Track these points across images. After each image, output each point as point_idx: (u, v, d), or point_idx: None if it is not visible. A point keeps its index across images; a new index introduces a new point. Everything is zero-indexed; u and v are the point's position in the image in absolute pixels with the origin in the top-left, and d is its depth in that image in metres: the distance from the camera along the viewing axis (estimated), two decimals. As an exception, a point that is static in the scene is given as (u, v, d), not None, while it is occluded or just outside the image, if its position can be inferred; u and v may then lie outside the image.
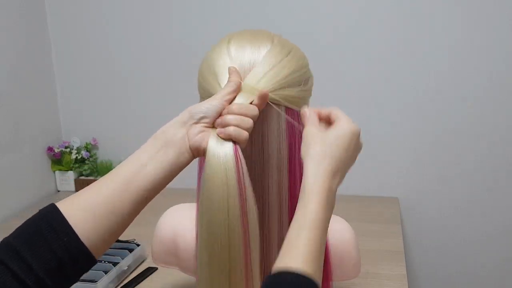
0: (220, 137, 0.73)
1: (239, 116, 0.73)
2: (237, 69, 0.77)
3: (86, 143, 2.02)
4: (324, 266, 0.89)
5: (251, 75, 0.77)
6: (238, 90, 0.75)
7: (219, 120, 0.74)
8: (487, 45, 1.65)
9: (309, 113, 0.78)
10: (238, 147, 0.73)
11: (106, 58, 1.94)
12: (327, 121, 0.79)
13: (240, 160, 0.73)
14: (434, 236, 1.83)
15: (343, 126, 0.75)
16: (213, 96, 0.76)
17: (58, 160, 1.99)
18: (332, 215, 0.95)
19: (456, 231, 1.81)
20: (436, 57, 1.69)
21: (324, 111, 0.79)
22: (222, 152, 0.72)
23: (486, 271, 1.83)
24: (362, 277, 1.22)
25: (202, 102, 0.76)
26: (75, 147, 2.00)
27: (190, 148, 0.75)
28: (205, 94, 0.81)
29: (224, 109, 0.74)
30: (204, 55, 0.85)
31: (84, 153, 1.98)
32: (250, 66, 0.78)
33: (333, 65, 1.75)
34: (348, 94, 1.77)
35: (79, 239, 0.67)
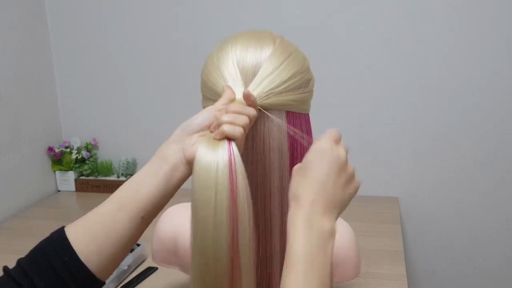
0: (215, 139, 0.70)
1: (232, 113, 0.71)
2: (239, 76, 0.78)
3: (87, 143, 2.02)
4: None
5: (254, 82, 0.77)
6: (230, 101, 0.75)
7: (213, 124, 0.72)
8: (488, 46, 1.65)
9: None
10: (232, 143, 0.69)
11: (106, 58, 1.94)
12: None
13: (234, 157, 0.68)
14: (434, 236, 1.83)
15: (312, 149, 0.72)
16: (205, 108, 0.76)
17: (59, 160, 1.99)
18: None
19: (456, 231, 1.81)
20: (436, 57, 1.69)
21: None
22: (214, 151, 0.68)
23: (486, 271, 1.83)
24: (362, 277, 1.22)
25: (194, 116, 0.75)
26: (75, 147, 2.00)
27: (187, 161, 0.73)
28: (209, 93, 0.81)
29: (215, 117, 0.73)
30: (209, 54, 0.85)
31: (84, 153, 1.98)
32: (252, 68, 0.78)
33: (333, 66, 1.75)
34: (348, 94, 1.77)
35: (80, 261, 0.68)
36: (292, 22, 1.74)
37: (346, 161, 0.74)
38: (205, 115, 0.74)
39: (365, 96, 1.77)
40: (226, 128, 0.69)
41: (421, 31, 1.68)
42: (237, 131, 0.69)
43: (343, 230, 0.96)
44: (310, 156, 0.71)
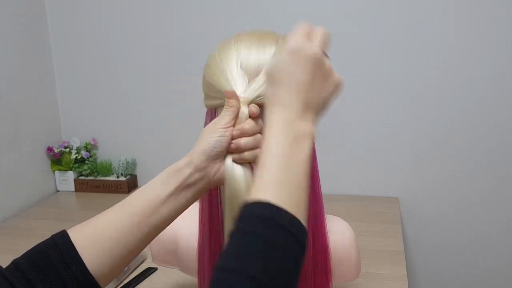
0: (237, 163, 0.76)
1: (250, 138, 0.75)
2: (242, 76, 0.78)
3: (86, 143, 2.02)
4: (324, 266, 0.89)
5: (256, 82, 0.77)
6: (236, 116, 0.75)
7: (233, 146, 0.75)
8: (488, 46, 1.65)
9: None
10: (254, 167, 0.75)
11: (106, 58, 1.94)
12: None
13: None
14: (434, 236, 1.83)
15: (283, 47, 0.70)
16: (214, 128, 0.75)
17: (58, 160, 1.99)
18: (332, 215, 0.96)
19: (456, 231, 1.81)
20: (436, 57, 1.69)
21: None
22: (239, 176, 0.75)
23: (486, 271, 1.83)
24: (362, 277, 1.22)
25: (208, 136, 0.75)
26: (74, 147, 2.00)
27: (211, 184, 0.76)
28: (211, 92, 0.81)
29: (230, 137, 0.75)
30: (210, 53, 0.85)
31: (84, 153, 1.98)
32: (255, 68, 0.78)
33: (333, 65, 1.74)
34: (348, 94, 1.77)
35: (88, 271, 0.67)
36: (291, 20, 1.73)
37: (322, 57, 0.70)
38: (219, 139, 0.75)
39: (365, 96, 1.76)
40: (248, 156, 0.75)
41: (421, 31, 1.68)
42: (257, 153, 0.73)
43: (343, 230, 0.96)
44: (283, 58, 0.69)
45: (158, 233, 0.74)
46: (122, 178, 1.96)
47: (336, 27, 1.73)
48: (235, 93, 0.76)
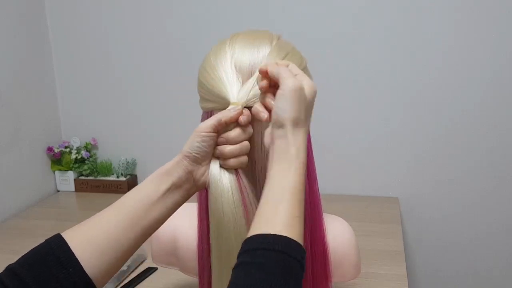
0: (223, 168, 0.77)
1: (235, 147, 0.76)
2: (236, 76, 0.78)
3: (86, 143, 2.02)
4: (323, 266, 0.89)
5: (250, 82, 0.77)
6: (221, 122, 0.76)
7: (218, 152, 0.77)
8: (488, 46, 1.65)
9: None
10: (240, 172, 0.78)
11: (106, 58, 1.94)
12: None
13: (242, 182, 0.77)
14: (434, 236, 1.83)
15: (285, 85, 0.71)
16: (200, 132, 0.76)
17: (58, 160, 1.99)
18: (332, 215, 0.96)
19: (456, 231, 1.81)
20: (436, 57, 1.69)
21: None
22: (224, 182, 0.77)
23: (486, 271, 1.83)
24: (362, 277, 1.22)
25: (192, 139, 0.76)
26: (75, 147, 2.00)
27: (198, 187, 0.79)
28: (206, 94, 0.81)
29: (214, 143, 0.77)
30: (206, 54, 0.85)
31: (84, 153, 1.98)
32: (249, 68, 0.78)
33: (333, 65, 1.75)
34: (348, 94, 1.77)
35: (85, 273, 0.68)
36: (291, 21, 1.74)
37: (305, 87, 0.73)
38: (199, 145, 0.76)
39: (365, 96, 1.76)
40: (233, 163, 0.76)
41: (421, 31, 1.68)
42: (242, 161, 0.77)
43: (343, 229, 0.96)
44: (312, 92, 0.73)
45: (152, 233, 0.76)
46: (122, 178, 1.96)
47: (336, 27, 1.73)
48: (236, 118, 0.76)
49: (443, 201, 1.80)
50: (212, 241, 0.79)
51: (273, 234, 0.61)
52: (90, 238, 0.70)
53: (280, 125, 0.70)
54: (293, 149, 0.68)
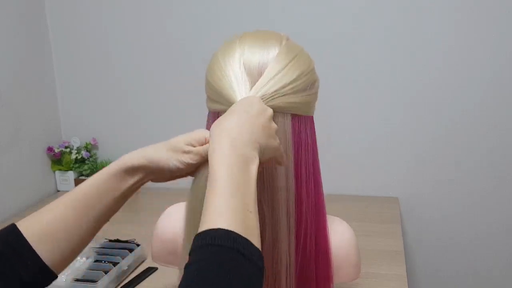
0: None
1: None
2: (245, 76, 0.78)
3: (86, 143, 2.02)
4: (325, 267, 0.89)
5: (259, 83, 0.77)
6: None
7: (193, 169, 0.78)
8: (488, 46, 1.65)
9: None
10: None
11: (106, 58, 1.94)
12: None
13: None
14: (434, 236, 1.83)
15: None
16: (179, 149, 0.76)
17: (58, 160, 1.99)
18: (332, 216, 0.96)
19: (456, 231, 1.81)
20: (436, 57, 1.69)
21: None
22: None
23: (486, 271, 1.83)
24: (362, 277, 1.22)
25: (170, 153, 0.76)
26: (75, 147, 2.00)
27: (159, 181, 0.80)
28: (213, 95, 0.81)
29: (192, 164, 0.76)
30: (213, 53, 0.85)
31: (84, 153, 1.98)
32: (258, 69, 0.78)
33: (333, 65, 1.75)
34: (348, 93, 1.77)
35: (43, 262, 0.69)
36: (291, 21, 1.74)
37: (264, 111, 0.73)
38: (177, 165, 0.76)
39: (365, 96, 1.76)
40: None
41: (421, 32, 1.68)
42: None
43: (343, 230, 0.96)
44: (236, 105, 0.73)
45: (107, 220, 0.78)
46: (122, 178, 1.96)
47: (336, 27, 1.73)
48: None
49: (443, 201, 1.80)
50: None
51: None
52: (47, 230, 0.71)
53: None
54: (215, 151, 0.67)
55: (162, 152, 0.76)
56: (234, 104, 0.73)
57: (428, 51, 1.69)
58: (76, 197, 0.75)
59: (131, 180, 0.76)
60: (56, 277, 0.72)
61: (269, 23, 1.72)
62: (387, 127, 1.78)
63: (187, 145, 0.76)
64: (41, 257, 0.69)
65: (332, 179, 1.84)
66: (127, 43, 1.91)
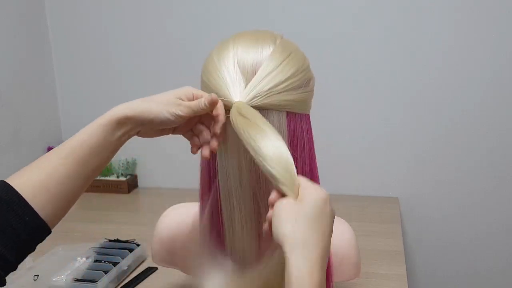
0: None
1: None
2: (239, 75, 0.79)
3: (86, 143, 2.01)
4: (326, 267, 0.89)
5: (253, 81, 0.77)
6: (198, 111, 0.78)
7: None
8: (488, 46, 1.65)
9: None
10: None
11: (106, 58, 1.94)
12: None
13: None
14: (434, 236, 1.83)
15: (312, 196, 0.70)
16: (173, 101, 0.79)
17: (58, 160, 1.99)
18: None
19: (456, 231, 1.81)
20: (436, 57, 1.69)
21: None
22: None
23: (486, 271, 1.83)
24: (362, 277, 1.22)
25: (161, 105, 0.78)
26: (75, 147, 1.99)
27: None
28: (207, 92, 0.81)
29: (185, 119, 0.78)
30: (208, 54, 0.85)
31: (84, 153, 1.98)
32: (252, 67, 0.78)
33: (333, 65, 1.75)
34: (348, 93, 1.77)
35: (40, 217, 0.69)
36: (292, 20, 1.74)
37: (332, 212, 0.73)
38: (170, 118, 0.78)
39: (365, 96, 1.76)
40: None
41: (421, 31, 1.68)
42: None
43: (343, 229, 0.96)
44: (316, 204, 0.69)
45: (99, 173, 0.79)
46: (122, 178, 1.96)
47: (336, 27, 1.73)
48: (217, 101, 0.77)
49: (443, 201, 1.80)
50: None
51: None
52: (41, 185, 0.72)
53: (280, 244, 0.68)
54: (295, 272, 0.64)
55: (152, 104, 0.78)
56: (316, 209, 0.69)
57: (428, 51, 1.69)
58: (66, 152, 0.76)
59: (119, 132, 0.78)
60: (50, 232, 0.72)
61: (269, 23, 1.72)
62: (387, 127, 1.78)
63: (177, 98, 0.79)
64: (38, 212, 0.69)
65: (332, 179, 1.84)
66: (127, 43, 1.91)
